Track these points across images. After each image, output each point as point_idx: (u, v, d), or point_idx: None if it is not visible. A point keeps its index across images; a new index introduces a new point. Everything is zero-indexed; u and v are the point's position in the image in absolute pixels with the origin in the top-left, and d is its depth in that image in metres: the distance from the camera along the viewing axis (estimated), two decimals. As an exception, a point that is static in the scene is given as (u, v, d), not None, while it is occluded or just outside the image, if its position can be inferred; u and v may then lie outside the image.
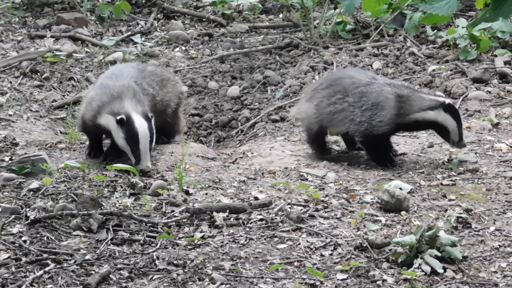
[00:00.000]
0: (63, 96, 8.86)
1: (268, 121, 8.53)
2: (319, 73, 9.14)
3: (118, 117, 6.69)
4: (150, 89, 7.33)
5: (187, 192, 6.32)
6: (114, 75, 7.15)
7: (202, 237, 5.62)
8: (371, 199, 6.22)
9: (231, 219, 5.87)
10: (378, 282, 5.15)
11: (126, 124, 6.70)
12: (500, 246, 5.59)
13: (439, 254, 5.30)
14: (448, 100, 6.99)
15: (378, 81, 7.07)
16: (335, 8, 10.55)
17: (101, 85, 7.06)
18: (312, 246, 5.56)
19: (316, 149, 7.32)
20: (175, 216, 5.88)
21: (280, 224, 5.83)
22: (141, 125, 6.71)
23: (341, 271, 5.25)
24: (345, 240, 5.61)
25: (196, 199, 6.21)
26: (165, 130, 7.50)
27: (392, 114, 6.91)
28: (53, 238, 5.49)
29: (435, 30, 9.94)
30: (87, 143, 7.18)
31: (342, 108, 7.04)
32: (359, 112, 6.97)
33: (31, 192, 6.11)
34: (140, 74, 7.31)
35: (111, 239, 5.54)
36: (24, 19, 10.82)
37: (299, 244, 5.58)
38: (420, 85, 8.69)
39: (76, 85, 9.13)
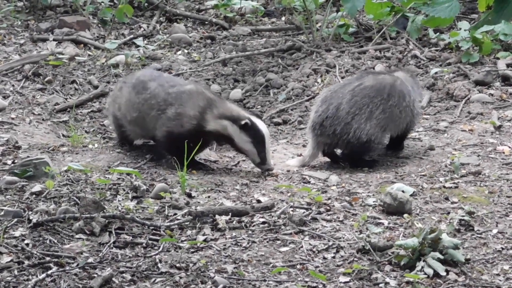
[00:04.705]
0: (66, 99, 8.86)
1: (271, 124, 8.52)
2: (321, 76, 9.14)
3: (243, 122, 6.82)
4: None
5: (189, 195, 6.32)
6: (177, 83, 7.21)
7: (205, 240, 5.61)
8: (373, 201, 6.22)
9: (234, 222, 5.87)
10: (380, 285, 5.14)
11: (251, 128, 6.83)
12: (502, 248, 5.58)
13: (441, 256, 5.29)
14: None
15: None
16: (337, 11, 10.56)
17: (180, 93, 7.02)
18: (314, 249, 5.55)
19: None
20: (178, 219, 5.87)
21: (283, 227, 5.82)
22: (264, 127, 6.90)
23: (344, 274, 5.24)
24: (348, 243, 5.60)
25: (198, 202, 6.21)
26: None
27: None
28: (55, 241, 5.49)
29: (438, 33, 9.94)
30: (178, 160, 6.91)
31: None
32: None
33: (34, 195, 6.11)
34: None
35: (114, 242, 5.53)
36: (26, 22, 10.82)
37: (302, 247, 5.57)
38: (422, 88, 8.68)
39: (79, 88, 9.13)
